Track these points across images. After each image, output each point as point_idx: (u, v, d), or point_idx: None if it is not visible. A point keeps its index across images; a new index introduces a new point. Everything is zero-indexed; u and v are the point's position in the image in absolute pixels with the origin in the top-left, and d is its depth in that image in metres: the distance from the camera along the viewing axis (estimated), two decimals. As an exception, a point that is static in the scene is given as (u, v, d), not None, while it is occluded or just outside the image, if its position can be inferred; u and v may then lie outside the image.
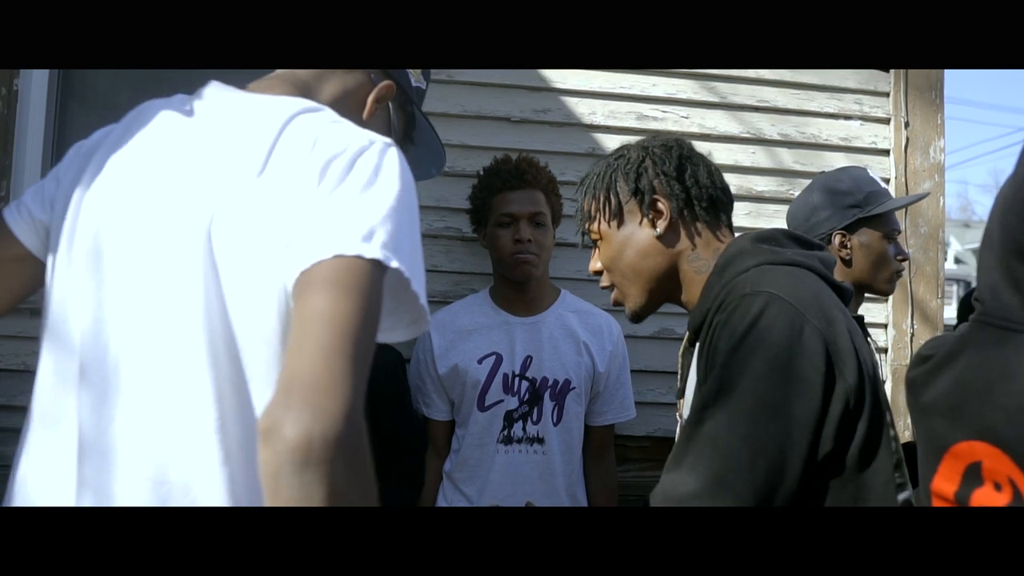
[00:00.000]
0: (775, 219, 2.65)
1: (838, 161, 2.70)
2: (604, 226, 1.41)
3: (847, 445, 1.13)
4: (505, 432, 2.16)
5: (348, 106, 1.17)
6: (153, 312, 0.98)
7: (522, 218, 2.17)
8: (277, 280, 0.95)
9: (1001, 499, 0.88)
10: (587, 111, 2.58)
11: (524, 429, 2.17)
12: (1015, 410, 0.87)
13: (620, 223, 1.39)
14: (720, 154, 2.65)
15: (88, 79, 2.64)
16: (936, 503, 0.98)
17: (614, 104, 2.60)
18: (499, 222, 2.20)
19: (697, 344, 1.30)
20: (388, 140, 1.02)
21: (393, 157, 1.01)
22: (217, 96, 1.09)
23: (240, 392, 0.96)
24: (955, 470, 0.95)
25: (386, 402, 2.09)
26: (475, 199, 2.27)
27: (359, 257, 0.91)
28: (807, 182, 2.64)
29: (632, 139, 2.58)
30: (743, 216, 2.65)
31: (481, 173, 2.29)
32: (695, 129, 2.64)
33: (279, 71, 1.16)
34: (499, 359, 2.18)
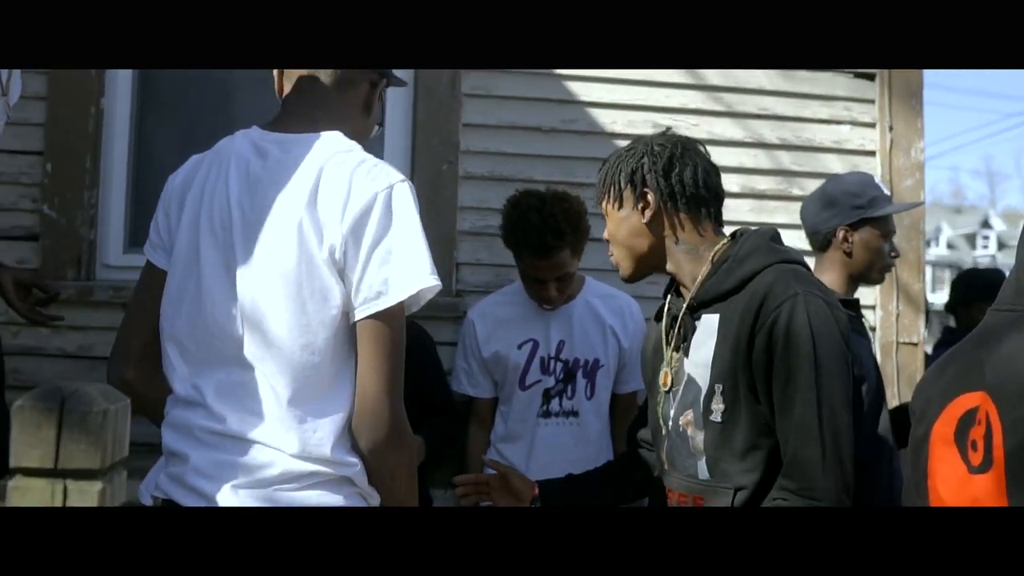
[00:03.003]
0: (775, 215, 2.98)
1: (831, 162, 3.04)
2: (608, 206, 1.70)
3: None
4: (544, 408, 2.51)
5: (357, 111, 1.51)
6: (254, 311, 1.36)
7: (549, 280, 2.42)
8: (334, 306, 1.33)
9: (979, 430, 1.19)
10: (609, 121, 2.92)
11: (560, 404, 2.52)
12: (999, 363, 1.19)
13: (619, 206, 1.67)
14: (725, 157, 2.98)
15: (162, 97, 2.96)
16: (936, 448, 1.28)
17: (632, 114, 2.94)
18: (526, 274, 2.46)
19: (704, 316, 1.61)
20: (402, 178, 1.39)
21: (407, 194, 1.38)
22: (271, 141, 1.43)
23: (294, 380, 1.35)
24: (953, 415, 1.26)
25: (425, 371, 2.48)
26: (505, 240, 2.47)
27: (406, 299, 1.33)
28: (803, 181, 2.99)
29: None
30: (747, 212, 2.99)
31: (510, 199, 2.46)
32: (703, 135, 2.96)
33: (313, 93, 1.47)
34: (536, 344, 2.52)
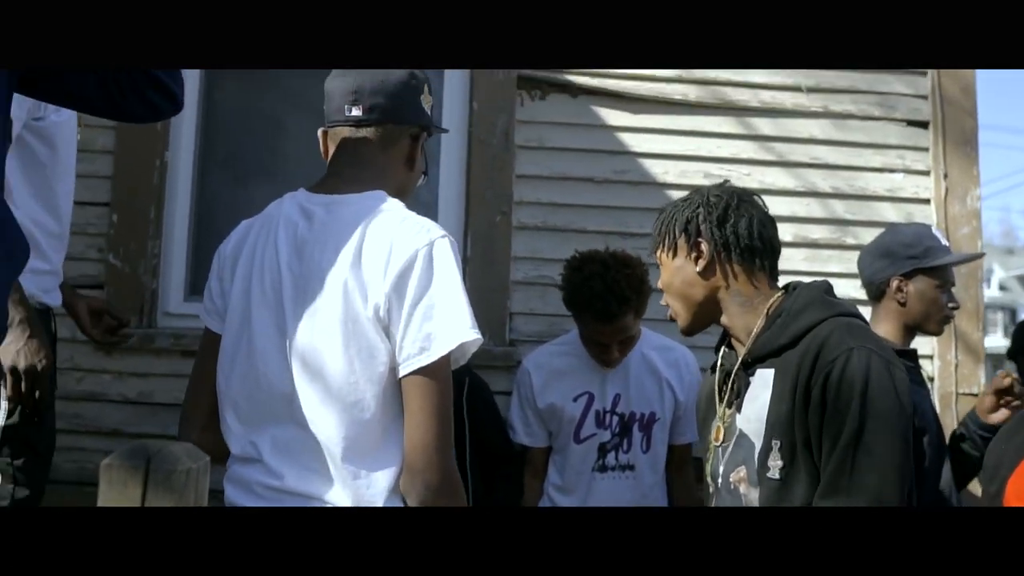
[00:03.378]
0: (829, 264, 2.97)
1: (885, 210, 3.02)
2: (663, 255, 1.70)
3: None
4: (600, 461, 2.50)
5: (400, 166, 1.55)
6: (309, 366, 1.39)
7: (612, 344, 2.43)
8: (381, 363, 1.36)
9: None
10: (661, 171, 2.94)
11: (616, 458, 2.51)
12: None
13: (674, 255, 1.68)
14: (778, 206, 2.97)
15: (223, 151, 3.04)
16: (1010, 503, 1.28)
17: (684, 165, 2.95)
18: (591, 339, 2.46)
19: (759, 371, 1.59)
20: (442, 233, 1.42)
21: (448, 249, 1.41)
22: (317, 203, 1.47)
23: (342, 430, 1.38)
24: None
25: (484, 420, 2.51)
26: (567, 303, 2.46)
27: (449, 352, 1.36)
28: (857, 230, 2.98)
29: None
30: (800, 261, 2.98)
31: (572, 261, 2.46)
32: (755, 185, 2.97)
33: (357, 153, 1.51)
34: (591, 398, 2.51)
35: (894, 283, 2.29)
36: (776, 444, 1.55)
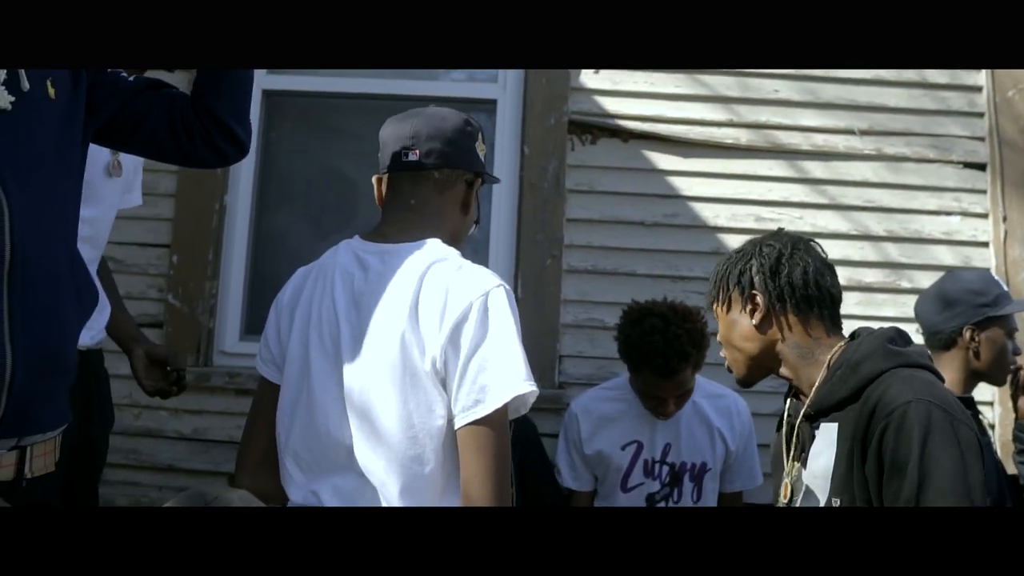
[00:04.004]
0: (883, 307, 2.92)
1: (941, 254, 2.97)
2: (719, 309, 1.67)
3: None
4: None
5: (455, 211, 1.55)
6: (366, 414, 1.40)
7: (669, 399, 2.38)
8: (439, 416, 1.36)
9: None
10: (711, 215, 2.94)
11: (667, 508, 2.47)
12: None
13: (728, 308, 1.65)
14: (831, 250, 2.91)
15: (280, 195, 3.11)
16: None
17: (735, 208, 2.94)
18: (645, 392, 2.41)
19: (824, 425, 1.54)
20: (498, 283, 1.42)
21: (503, 298, 1.40)
22: (371, 252, 1.48)
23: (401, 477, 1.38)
24: None
25: (534, 471, 2.48)
26: (623, 355, 2.41)
27: (505, 404, 1.35)
28: (912, 274, 2.93)
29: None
30: (853, 305, 2.94)
31: (629, 312, 2.41)
32: (807, 228, 2.95)
33: (412, 199, 1.52)
34: (640, 447, 2.48)
35: (967, 333, 2.24)
36: (836, 503, 1.49)
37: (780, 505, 1.65)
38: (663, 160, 2.96)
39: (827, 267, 1.64)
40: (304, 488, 1.44)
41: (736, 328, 1.64)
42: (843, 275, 2.91)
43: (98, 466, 2.22)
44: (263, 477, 1.51)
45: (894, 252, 2.99)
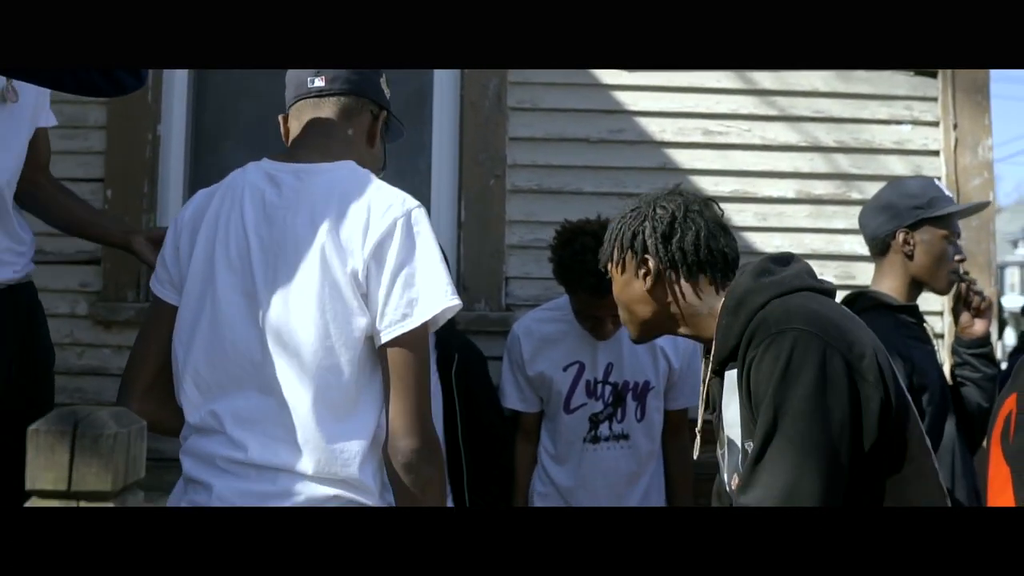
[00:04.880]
0: (833, 220, 2.90)
1: (892, 164, 2.93)
2: (613, 269, 1.64)
3: (887, 432, 1.40)
4: (592, 433, 2.45)
5: (362, 140, 1.57)
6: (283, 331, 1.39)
7: (606, 318, 2.34)
8: (357, 328, 1.37)
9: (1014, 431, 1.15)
10: (658, 129, 2.87)
11: (610, 428, 2.46)
12: None
13: (622, 270, 1.61)
14: (781, 162, 2.91)
15: (215, 124, 3.02)
16: (992, 450, 1.24)
17: (682, 122, 2.88)
18: (580, 309, 2.39)
19: (727, 374, 1.53)
20: (417, 203, 1.45)
21: (424, 218, 1.44)
22: (285, 170, 1.47)
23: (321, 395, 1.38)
24: (1001, 417, 1.23)
25: (481, 401, 2.46)
26: (557, 276, 2.40)
27: (430, 319, 1.38)
28: (863, 184, 2.90)
29: (699, 153, 2.86)
30: (804, 218, 2.91)
31: (562, 233, 2.39)
32: (756, 141, 2.90)
33: (321, 125, 1.53)
34: (581, 367, 2.46)
35: (900, 236, 2.23)
36: (748, 445, 1.47)
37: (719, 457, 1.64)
38: (607, 74, 2.88)
39: (721, 228, 1.60)
40: (202, 409, 1.42)
41: (629, 290, 1.62)
42: (793, 188, 2.91)
43: (46, 399, 2.16)
44: (151, 403, 1.48)
45: (844, 163, 2.95)
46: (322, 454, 1.36)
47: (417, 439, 1.37)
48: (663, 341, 2.45)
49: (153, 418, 1.42)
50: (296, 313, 1.38)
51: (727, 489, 1.62)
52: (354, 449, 1.37)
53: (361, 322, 1.38)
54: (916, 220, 2.22)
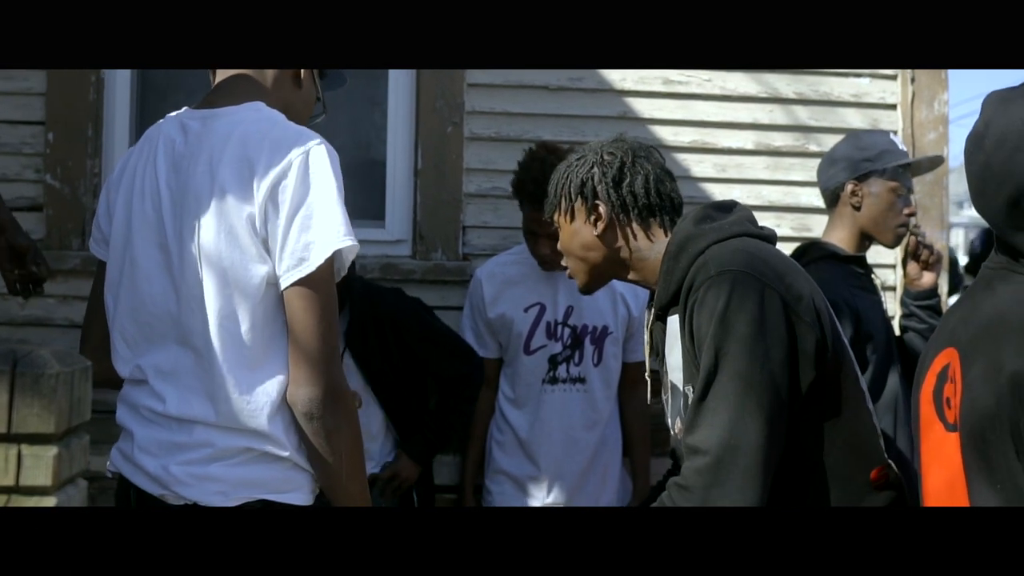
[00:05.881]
0: (791, 172, 2.90)
1: (850, 116, 2.94)
2: (560, 219, 1.65)
3: (823, 372, 1.43)
4: (551, 374, 2.45)
5: (286, 82, 1.51)
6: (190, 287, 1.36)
7: (542, 236, 2.34)
8: (257, 275, 1.33)
9: (951, 387, 1.16)
10: (618, 78, 2.84)
11: (568, 371, 2.46)
12: (971, 319, 1.16)
13: (571, 218, 1.63)
14: (740, 113, 2.90)
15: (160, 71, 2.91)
16: (923, 406, 1.24)
17: (642, 71, 2.85)
18: (525, 227, 2.42)
19: (670, 319, 1.56)
20: (318, 140, 1.38)
21: (324, 156, 1.37)
22: (194, 117, 1.43)
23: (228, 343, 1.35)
24: (933, 373, 1.23)
25: (421, 343, 2.45)
26: (512, 191, 2.46)
27: (330, 258, 1.32)
28: (821, 137, 2.90)
29: (659, 103, 2.83)
30: (762, 169, 2.90)
31: (525, 153, 2.42)
32: (716, 91, 2.88)
33: (236, 72, 1.47)
34: (543, 308, 2.47)
35: (849, 187, 2.26)
36: (689, 390, 1.49)
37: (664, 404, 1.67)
38: (568, 21, 2.83)
39: (667, 174, 1.64)
40: (130, 363, 1.42)
41: (578, 237, 1.63)
42: (751, 139, 2.90)
43: None
44: (106, 359, 1.46)
45: (803, 115, 2.95)
46: (232, 405, 1.33)
47: (317, 387, 1.32)
48: (623, 288, 2.45)
49: (109, 374, 1.44)
50: (201, 264, 1.35)
51: (672, 433, 1.64)
52: (261, 400, 1.34)
53: (261, 269, 1.33)
54: (864, 172, 2.24)
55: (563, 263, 1.70)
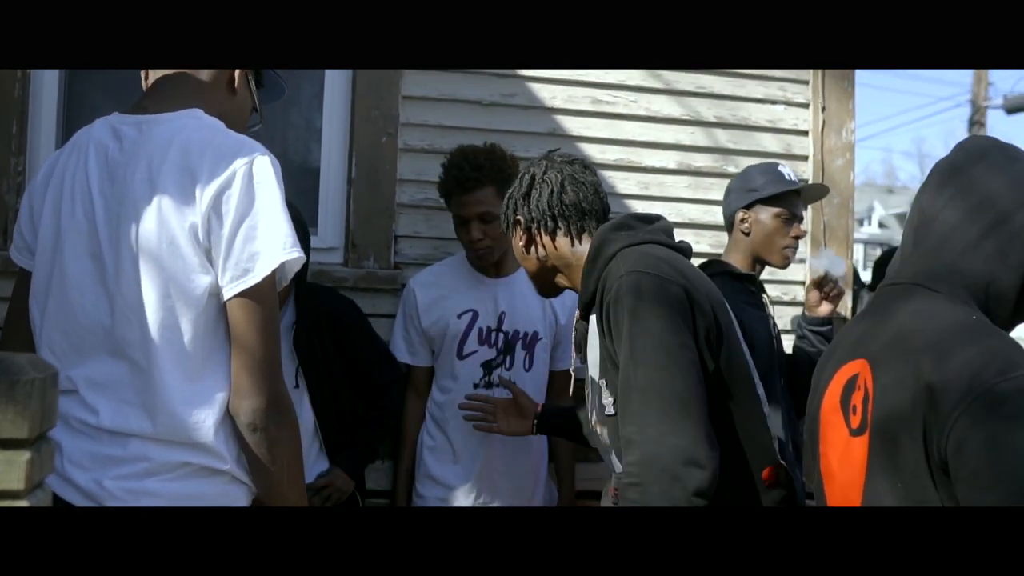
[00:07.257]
0: (711, 191, 3.04)
1: (766, 141, 3.10)
2: (508, 232, 1.85)
3: (718, 368, 1.57)
4: (486, 379, 2.51)
5: (223, 85, 1.50)
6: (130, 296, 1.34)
7: (471, 219, 2.42)
8: (199, 286, 1.32)
9: (859, 395, 1.27)
10: (548, 96, 2.93)
11: (501, 376, 2.52)
12: (881, 332, 1.26)
13: (511, 233, 1.83)
14: (664, 134, 3.02)
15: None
16: (825, 414, 1.35)
17: (572, 89, 2.95)
18: (455, 220, 2.50)
19: (591, 318, 1.68)
20: (262, 150, 1.38)
21: (267, 167, 1.37)
22: (128, 123, 1.40)
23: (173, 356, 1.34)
24: (839, 382, 1.33)
25: (358, 345, 2.49)
26: (440, 194, 2.53)
27: (274, 271, 1.33)
28: (739, 159, 3.05)
29: (588, 121, 2.93)
30: (683, 188, 3.04)
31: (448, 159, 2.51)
32: (642, 112, 3.00)
33: (170, 76, 1.46)
34: (475, 315, 2.53)
35: (739, 214, 2.49)
36: (603, 383, 1.62)
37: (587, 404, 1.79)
38: (502, 39, 2.91)
39: (575, 182, 1.74)
40: (60, 375, 1.36)
41: (516, 250, 1.83)
42: (674, 159, 3.03)
43: None
44: None
45: (723, 138, 3.09)
46: (172, 419, 1.31)
47: (260, 398, 1.32)
48: None
49: None
50: (139, 274, 1.32)
51: (589, 426, 1.77)
52: (204, 413, 1.32)
53: (203, 280, 1.32)
54: (751, 201, 2.46)
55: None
